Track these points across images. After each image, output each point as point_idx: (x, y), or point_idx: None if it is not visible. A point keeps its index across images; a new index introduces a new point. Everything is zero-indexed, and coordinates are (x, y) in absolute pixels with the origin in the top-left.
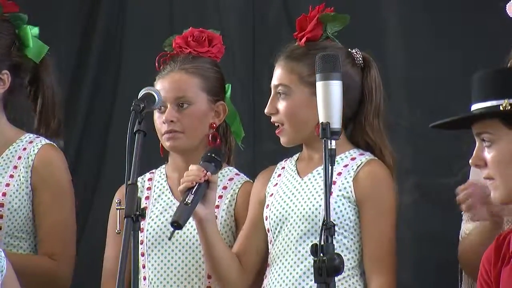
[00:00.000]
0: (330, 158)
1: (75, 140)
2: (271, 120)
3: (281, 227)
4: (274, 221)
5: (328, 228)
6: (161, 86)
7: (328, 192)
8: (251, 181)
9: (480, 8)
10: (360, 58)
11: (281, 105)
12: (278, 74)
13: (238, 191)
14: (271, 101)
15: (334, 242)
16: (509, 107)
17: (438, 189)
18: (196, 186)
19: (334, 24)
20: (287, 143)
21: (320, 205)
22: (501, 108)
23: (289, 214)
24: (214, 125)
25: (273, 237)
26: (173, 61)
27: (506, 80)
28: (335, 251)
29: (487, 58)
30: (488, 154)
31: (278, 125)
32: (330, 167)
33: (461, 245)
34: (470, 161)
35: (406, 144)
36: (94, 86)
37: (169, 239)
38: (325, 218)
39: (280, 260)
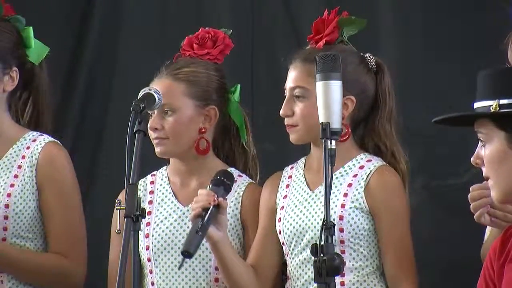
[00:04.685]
0: (330, 158)
1: (69, 141)
2: (285, 123)
3: (296, 241)
4: (289, 236)
5: (328, 228)
6: None
7: (328, 192)
8: (254, 182)
9: (480, 8)
10: (374, 63)
11: (298, 107)
12: (294, 77)
13: (243, 194)
14: (286, 103)
15: (352, 251)
16: (498, 108)
17: (445, 190)
18: (205, 213)
19: (350, 28)
20: (297, 141)
21: (334, 219)
22: (491, 109)
23: (303, 228)
24: (204, 130)
25: (290, 250)
26: (166, 66)
27: (499, 80)
28: (354, 261)
29: (487, 58)
30: (483, 153)
31: (289, 125)
32: (330, 167)
33: (482, 248)
34: (471, 159)
35: (412, 145)
36: (89, 86)
37: (179, 268)
38: (325, 218)
39: (300, 274)
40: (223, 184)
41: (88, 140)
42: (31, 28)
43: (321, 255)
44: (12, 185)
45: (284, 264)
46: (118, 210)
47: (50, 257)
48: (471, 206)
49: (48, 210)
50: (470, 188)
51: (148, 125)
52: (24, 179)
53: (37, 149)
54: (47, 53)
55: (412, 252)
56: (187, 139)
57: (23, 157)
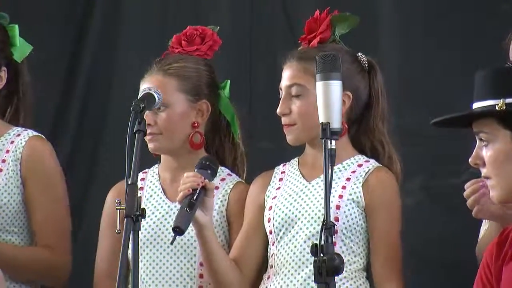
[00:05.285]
0: (330, 158)
1: (69, 141)
2: (282, 122)
3: (286, 228)
4: (279, 223)
5: (328, 228)
6: (142, 88)
7: (328, 192)
8: (243, 181)
9: (480, 8)
10: (366, 62)
11: (295, 105)
12: (290, 75)
13: (230, 191)
14: (283, 101)
15: (342, 245)
16: (505, 107)
17: (443, 190)
18: (195, 193)
19: (342, 26)
20: (295, 141)
21: (331, 208)
22: (497, 108)
23: (296, 216)
24: (197, 124)
25: (277, 239)
26: (156, 63)
27: (504, 80)
28: (343, 255)
29: (487, 58)
30: (485, 154)
31: (287, 124)
32: (330, 167)
33: (478, 245)
34: (469, 160)
35: (411, 144)
36: (89, 86)
37: (171, 243)
38: (325, 218)
39: (287, 261)
40: (209, 167)
41: (88, 140)
42: (16, 26)
43: (321, 255)
44: None
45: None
46: (118, 210)
47: (37, 250)
48: (467, 203)
49: (33, 203)
50: (465, 186)
51: None
52: (9, 173)
53: (21, 143)
54: (30, 51)
55: (401, 254)
56: (180, 134)
57: (7, 151)
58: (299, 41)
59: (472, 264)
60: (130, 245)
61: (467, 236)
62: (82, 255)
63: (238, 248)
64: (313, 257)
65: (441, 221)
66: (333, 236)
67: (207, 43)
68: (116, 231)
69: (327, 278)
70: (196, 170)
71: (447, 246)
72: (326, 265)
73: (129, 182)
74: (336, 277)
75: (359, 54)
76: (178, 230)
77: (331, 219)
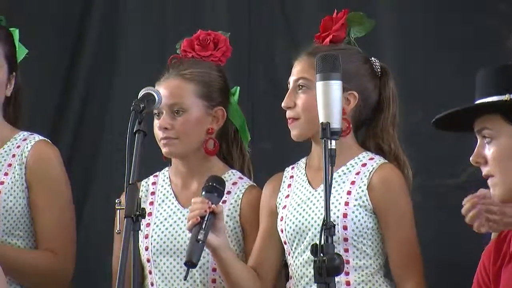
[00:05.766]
0: (330, 158)
1: (69, 141)
2: (287, 115)
3: (299, 239)
4: (291, 234)
5: (328, 228)
6: None
7: (328, 192)
8: (255, 184)
9: (480, 8)
10: (379, 67)
11: (301, 98)
12: (299, 69)
13: (242, 196)
14: (289, 94)
15: (355, 250)
16: (510, 101)
17: (442, 190)
18: (203, 221)
19: (358, 29)
20: (299, 136)
21: (338, 216)
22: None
23: (306, 227)
24: (212, 130)
25: (291, 249)
26: (173, 66)
27: (508, 76)
28: (357, 259)
29: (487, 58)
30: (488, 151)
31: (291, 117)
32: (330, 167)
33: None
34: (470, 158)
35: (408, 144)
36: (88, 86)
37: (185, 279)
38: (325, 218)
39: (303, 273)
40: (215, 190)
41: (88, 140)
42: (17, 30)
43: (321, 255)
44: (1, 183)
45: (285, 265)
46: (118, 210)
47: (40, 254)
48: (466, 219)
49: (37, 208)
50: (463, 202)
51: (157, 125)
52: (14, 177)
53: (27, 147)
54: (25, 55)
55: (418, 249)
56: (195, 139)
57: (14, 155)
58: (315, 40)
59: (470, 264)
60: (143, 252)
61: (465, 236)
62: (81, 254)
63: (256, 255)
64: None
65: (440, 221)
66: (345, 244)
67: (221, 49)
68: (116, 231)
69: (327, 278)
70: (203, 193)
71: (446, 246)
72: (326, 265)
73: (129, 182)
74: (354, 282)
75: (373, 59)
76: (190, 264)
77: (340, 228)
